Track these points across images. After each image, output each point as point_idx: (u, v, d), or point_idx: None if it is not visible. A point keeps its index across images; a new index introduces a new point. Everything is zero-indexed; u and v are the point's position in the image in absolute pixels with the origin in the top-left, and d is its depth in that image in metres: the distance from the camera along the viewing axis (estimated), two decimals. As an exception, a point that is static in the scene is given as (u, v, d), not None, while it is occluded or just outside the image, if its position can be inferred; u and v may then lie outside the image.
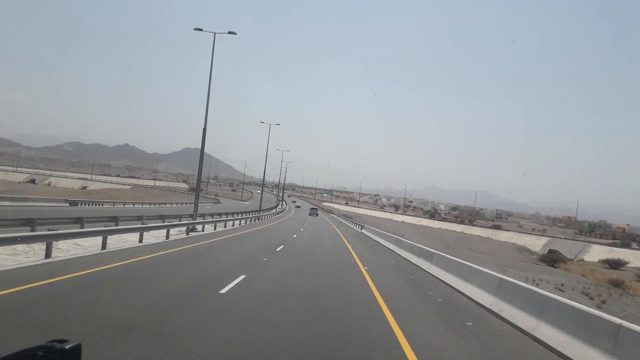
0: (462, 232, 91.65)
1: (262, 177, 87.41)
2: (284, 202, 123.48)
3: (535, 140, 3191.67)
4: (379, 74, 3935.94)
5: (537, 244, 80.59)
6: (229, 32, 28.96)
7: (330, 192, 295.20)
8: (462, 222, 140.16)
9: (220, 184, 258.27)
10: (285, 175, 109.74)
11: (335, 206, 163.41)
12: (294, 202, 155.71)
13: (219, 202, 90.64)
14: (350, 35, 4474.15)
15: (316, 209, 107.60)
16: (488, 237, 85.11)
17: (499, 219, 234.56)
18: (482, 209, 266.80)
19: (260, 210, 62.37)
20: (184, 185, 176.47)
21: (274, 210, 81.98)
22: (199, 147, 29.32)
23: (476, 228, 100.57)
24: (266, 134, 64.96)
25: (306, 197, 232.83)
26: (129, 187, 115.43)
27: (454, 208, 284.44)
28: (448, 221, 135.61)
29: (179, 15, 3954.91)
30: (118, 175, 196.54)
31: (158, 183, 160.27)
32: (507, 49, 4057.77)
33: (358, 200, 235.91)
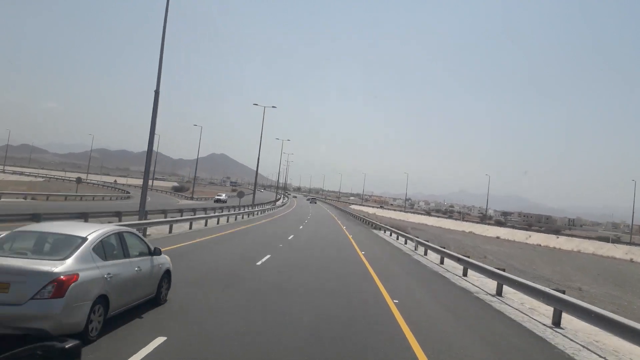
0: (630, 261, 46.74)
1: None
2: (286, 198, 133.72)
3: (564, 144, 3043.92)
4: (402, 80, 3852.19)
5: None
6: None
7: (360, 196, 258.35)
8: (546, 231, 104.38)
9: (221, 185, 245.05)
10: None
11: (371, 211, 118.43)
12: (289, 194, 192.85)
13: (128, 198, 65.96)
14: (357, 36, 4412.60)
15: (314, 198, 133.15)
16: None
17: (572, 227, 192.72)
18: (552, 215, 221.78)
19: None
20: (174, 185, 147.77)
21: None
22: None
23: (618, 248, 55.02)
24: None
25: (324, 199, 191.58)
26: (42, 179, 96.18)
27: (504, 213, 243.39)
28: (519, 229, 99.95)
29: (202, 21, 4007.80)
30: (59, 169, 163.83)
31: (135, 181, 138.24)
32: (505, 46, 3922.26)
33: (404, 205, 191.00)
